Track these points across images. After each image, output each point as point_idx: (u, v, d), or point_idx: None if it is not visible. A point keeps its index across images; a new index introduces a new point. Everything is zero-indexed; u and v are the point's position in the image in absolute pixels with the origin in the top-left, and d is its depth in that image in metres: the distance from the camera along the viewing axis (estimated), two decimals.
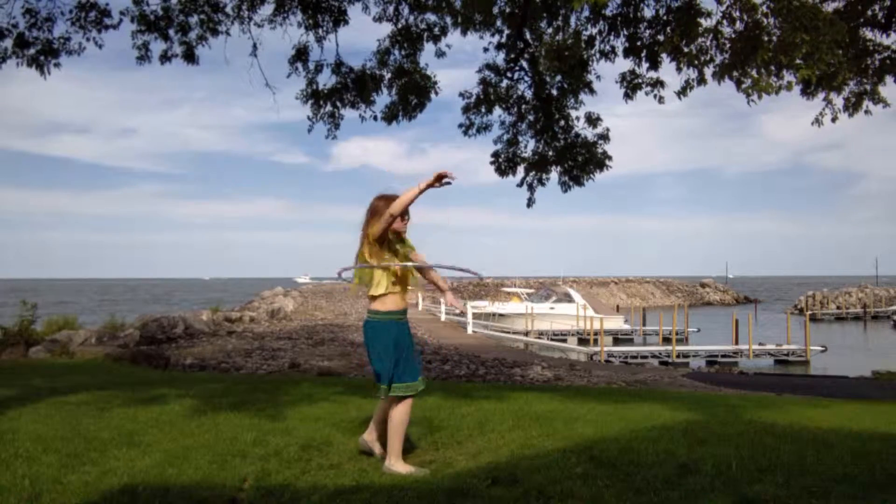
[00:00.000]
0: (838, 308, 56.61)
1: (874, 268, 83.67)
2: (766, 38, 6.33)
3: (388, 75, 9.92)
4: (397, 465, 3.91)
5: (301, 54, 9.75)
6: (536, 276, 77.79)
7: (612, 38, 8.74)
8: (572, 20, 9.01)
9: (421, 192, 3.80)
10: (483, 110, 10.21)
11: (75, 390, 7.26)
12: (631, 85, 8.89)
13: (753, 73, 6.49)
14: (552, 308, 36.42)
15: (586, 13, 8.58)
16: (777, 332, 30.80)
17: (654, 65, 8.34)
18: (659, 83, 8.76)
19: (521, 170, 10.39)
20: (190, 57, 9.25)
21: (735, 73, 6.62)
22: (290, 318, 30.40)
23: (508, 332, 31.01)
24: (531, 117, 10.38)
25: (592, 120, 9.92)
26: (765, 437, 4.90)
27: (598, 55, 9.10)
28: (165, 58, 9.22)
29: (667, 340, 29.18)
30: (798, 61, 6.02)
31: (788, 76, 6.60)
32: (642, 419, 5.92)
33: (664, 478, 3.71)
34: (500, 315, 36.69)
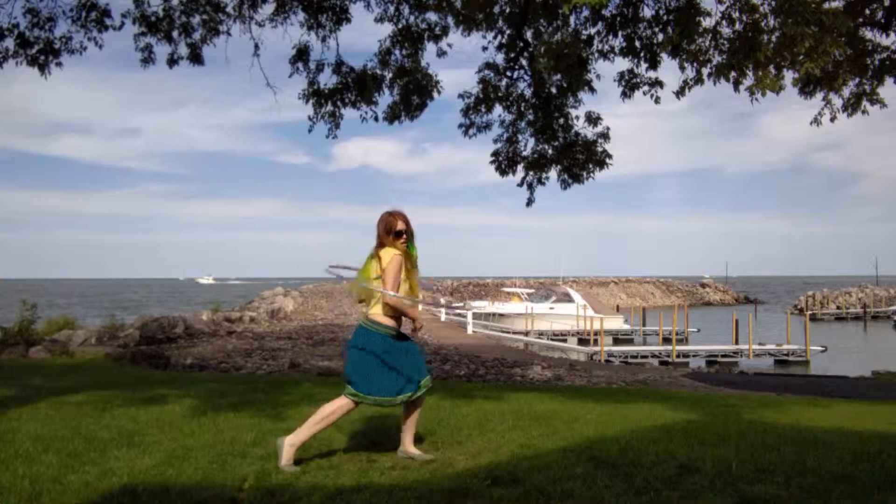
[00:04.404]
0: (838, 308, 56.59)
1: (874, 268, 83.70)
2: (765, 38, 6.34)
3: (389, 75, 9.92)
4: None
5: (302, 54, 9.74)
6: (536, 276, 77.77)
7: (610, 37, 8.74)
8: (572, 20, 8.99)
9: (406, 314, 4.09)
10: (483, 109, 10.21)
11: (75, 390, 7.27)
12: (630, 84, 8.88)
13: (753, 72, 6.49)
14: (552, 308, 36.39)
15: (586, 13, 8.57)
16: (777, 333, 30.80)
17: (654, 65, 8.34)
18: (658, 83, 8.75)
19: (520, 169, 10.38)
20: (196, 58, 9.22)
21: (733, 74, 6.62)
22: (290, 318, 30.42)
23: (508, 332, 31.00)
24: (531, 116, 10.37)
25: (592, 119, 9.91)
26: (765, 437, 4.90)
27: (596, 55, 9.10)
28: (172, 61, 9.12)
29: (667, 340, 29.15)
30: (801, 56, 6.02)
31: (790, 74, 6.61)
32: (642, 419, 5.93)
33: (664, 478, 3.71)
34: (500, 315, 36.69)
